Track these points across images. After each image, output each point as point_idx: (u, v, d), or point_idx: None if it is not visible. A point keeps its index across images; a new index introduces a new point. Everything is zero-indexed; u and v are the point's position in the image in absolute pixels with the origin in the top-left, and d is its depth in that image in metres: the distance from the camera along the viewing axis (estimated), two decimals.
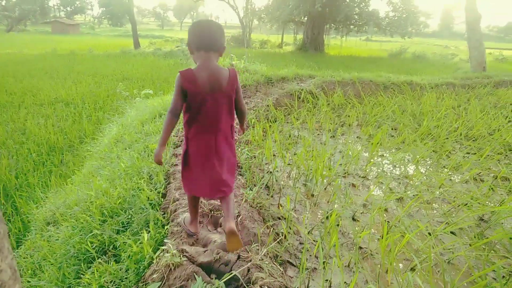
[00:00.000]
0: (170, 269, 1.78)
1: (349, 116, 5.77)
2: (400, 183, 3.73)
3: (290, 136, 4.81)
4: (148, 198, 2.72)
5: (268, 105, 5.67)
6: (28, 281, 2.36)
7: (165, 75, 13.47)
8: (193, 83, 1.80)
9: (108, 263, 2.16)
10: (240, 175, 3.18)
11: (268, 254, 2.07)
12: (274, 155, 4.14)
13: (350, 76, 7.59)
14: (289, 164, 3.90)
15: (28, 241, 3.00)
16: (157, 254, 1.95)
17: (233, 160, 2.02)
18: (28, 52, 20.21)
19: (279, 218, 2.77)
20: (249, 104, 5.50)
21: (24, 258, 2.75)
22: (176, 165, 3.22)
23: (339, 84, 7.03)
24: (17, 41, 30.67)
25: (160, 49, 22.64)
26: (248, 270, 1.80)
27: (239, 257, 1.92)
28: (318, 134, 5.10)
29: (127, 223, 2.53)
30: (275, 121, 5.40)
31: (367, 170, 3.95)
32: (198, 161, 1.91)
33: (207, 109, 1.85)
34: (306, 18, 29.02)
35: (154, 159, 1.89)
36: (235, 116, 2.05)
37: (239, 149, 3.73)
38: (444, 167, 4.18)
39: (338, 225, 2.79)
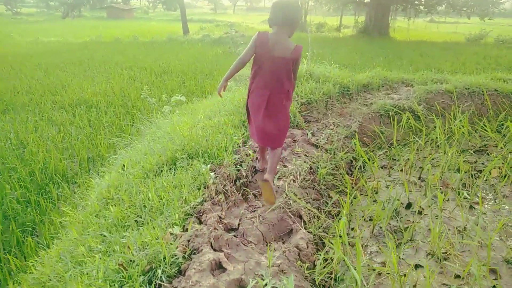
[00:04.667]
0: None
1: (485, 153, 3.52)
2: None
3: (396, 210, 2.70)
4: None
5: (348, 137, 3.58)
6: None
7: (210, 68, 11.63)
8: (263, 43, 2.22)
9: None
10: None
11: None
12: (373, 270, 2.10)
13: (463, 80, 5.09)
14: None
15: None
16: None
17: (283, 119, 2.35)
18: (72, 40, 19.36)
19: None
20: (317, 136, 3.44)
21: None
22: None
23: (451, 95, 4.66)
24: (68, 27, 30.50)
25: (208, 36, 20.92)
26: None
27: None
28: (444, 200, 2.92)
29: None
30: (363, 168, 3.31)
31: None
32: (252, 111, 2.35)
33: (267, 68, 2.25)
34: None
35: (217, 90, 2.38)
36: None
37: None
38: None
39: None
